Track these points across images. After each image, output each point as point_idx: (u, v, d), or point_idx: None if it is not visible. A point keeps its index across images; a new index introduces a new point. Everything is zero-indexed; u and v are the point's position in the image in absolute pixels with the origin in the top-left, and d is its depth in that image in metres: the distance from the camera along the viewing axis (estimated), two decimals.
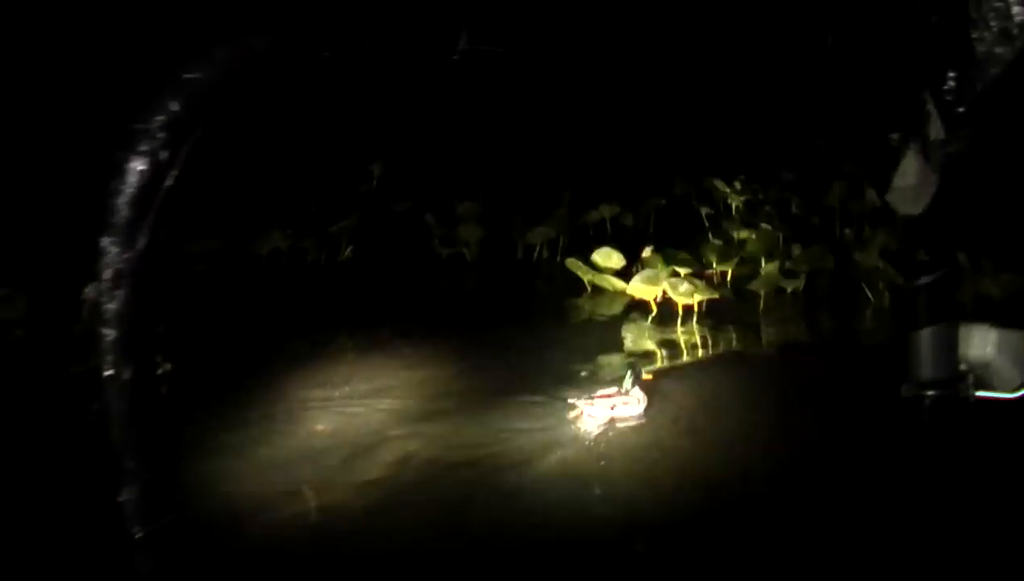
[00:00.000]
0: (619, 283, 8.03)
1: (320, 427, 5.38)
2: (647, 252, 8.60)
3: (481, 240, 9.82)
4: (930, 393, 1.36)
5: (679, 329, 7.31)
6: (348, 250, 9.70)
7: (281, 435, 5.29)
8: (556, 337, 7.02)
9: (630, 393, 5.73)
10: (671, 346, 6.89)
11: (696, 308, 7.60)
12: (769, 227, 9.14)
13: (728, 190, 11.42)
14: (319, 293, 8.60)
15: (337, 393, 5.93)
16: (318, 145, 10.94)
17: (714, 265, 8.48)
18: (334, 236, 9.67)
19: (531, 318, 7.58)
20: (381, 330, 7.24)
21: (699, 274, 8.23)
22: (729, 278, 8.33)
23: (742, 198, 11.23)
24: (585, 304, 8.03)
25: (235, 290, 8.35)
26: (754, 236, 8.57)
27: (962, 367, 1.39)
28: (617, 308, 7.84)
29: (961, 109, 1.74)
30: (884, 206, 8.12)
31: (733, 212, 11.09)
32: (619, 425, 5.50)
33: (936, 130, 1.74)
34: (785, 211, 10.71)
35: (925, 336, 1.36)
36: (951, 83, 1.77)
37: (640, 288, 7.67)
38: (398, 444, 5.16)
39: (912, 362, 1.37)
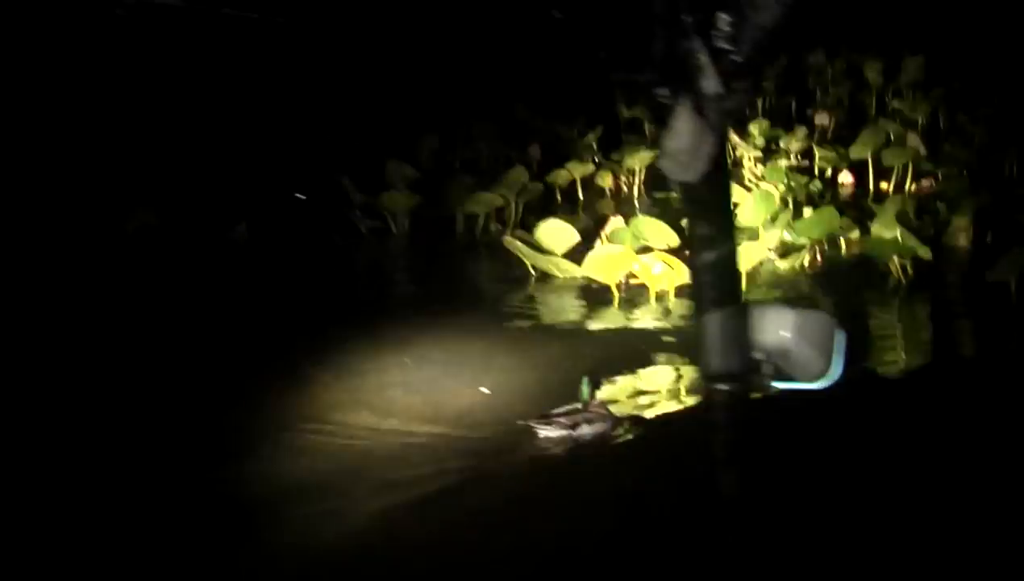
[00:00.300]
0: (569, 267, 8.00)
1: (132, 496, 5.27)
2: (613, 225, 8.56)
3: (412, 210, 9.83)
4: (721, 387, 1.39)
5: (647, 325, 7.24)
6: (242, 228, 9.63)
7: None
8: (477, 348, 6.94)
9: (590, 407, 5.64)
10: (634, 359, 6.77)
11: (672, 293, 7.53)
12: (775, 188, 9.05)
13: (738, 140, 11.33)
14: (195, 283, 8.56)
15: (178, 427, 5.83)
16: (205, 96, 10.89)
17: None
18: (224, 209, 9.66)
19: (456, 319, 7.53)
20: (267, 338, 7.22)
21: (680, 251, 8.18)
22: None
23: (758, 150, 11.15)
24: (528, 296, 8.08)
25: (86, 279, 8.33)
26: (751, 200, 8.47)
27: (757, 355, 1.42)
28: (569, 301, 7.87)
29: (737, 58, 1.64)
30: (925, 157, 8.07)
31: (745, 166, 11.02)
32: (582, 446, 5.44)
33: (710, 83, 1.64)
34: (811, 164, 10.66)
35: (712, 322, 1.39)
36: (724, 29, 1.79)
37: (598, 268, 7.61)
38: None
39: (700, 352, 1.45)
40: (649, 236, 8.11)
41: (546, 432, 5.51)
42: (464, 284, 8.49)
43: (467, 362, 6.62)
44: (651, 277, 7.51)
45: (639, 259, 7.59)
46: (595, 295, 7.77)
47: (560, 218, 8.80)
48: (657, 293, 7.57)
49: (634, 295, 7.66)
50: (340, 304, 7.96)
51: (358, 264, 9.22)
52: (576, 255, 8.17)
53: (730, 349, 1.38)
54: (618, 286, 7.68)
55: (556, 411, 5.61)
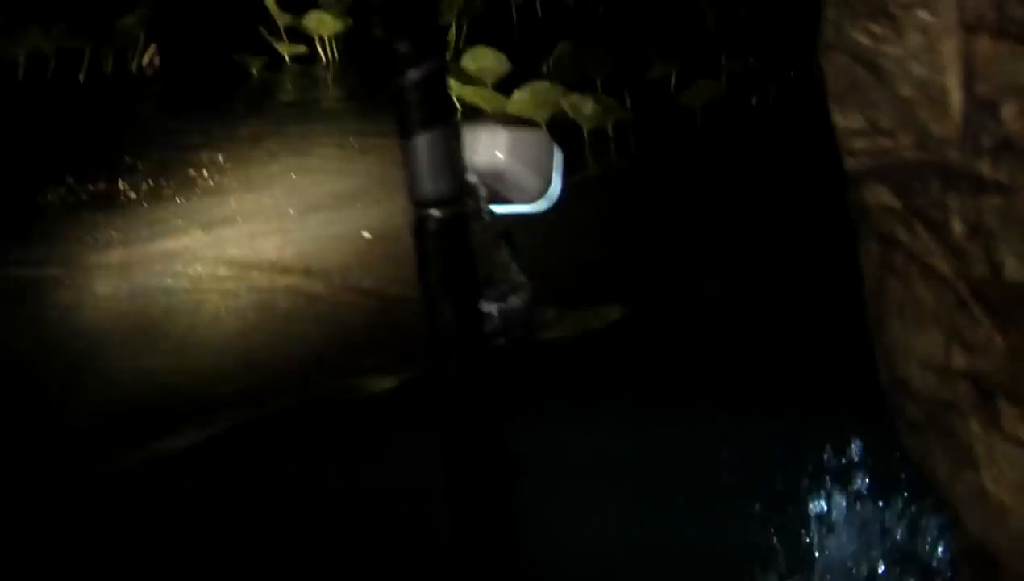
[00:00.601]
0: (498, 101, 7.42)
1: None
2: (560, 50, 7.95)
3: (343, 34, 9.17)
4: (433, 213, 1.39)
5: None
6: (151, 53, 9.10)
7: None
8: (375, 195, 6.49)
9: (509, 273, 5.24)
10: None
11: (611, 138, 6.98)
12: None
13: None
14: (100, 121, 8.13)
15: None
16: None
17: (656, 67, 7.78)
18: (126, 33, 9.05)
19: (362, 158, 7.11)
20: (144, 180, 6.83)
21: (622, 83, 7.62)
22: (672, 85, 7.66)
23: None
24: None
25: None
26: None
27: (470, 178, 1.43)
28: None
29: None
30: None
31: None
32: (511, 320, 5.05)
33: None
34: None
35: (420, 144, 1.38)
36: None
37: (524, 105, 7.09)
38: None
39: (408, 177, 1.40)
40: (592, 65, 7.50)
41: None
42: (378, 119, 7.82)
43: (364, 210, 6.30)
44: (582, 116, 6.95)
45: (569, 97, 7.01)
46: None
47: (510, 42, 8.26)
48: (590, 132, 7.00)
49: (568, 135, 7.12)
50: (234, 145, 7.45)
51: (272, 96, 8.72)
52: (513, 86, 7.52)
53: (441, 172, 1.39)
54: (551, 125, 7.15)
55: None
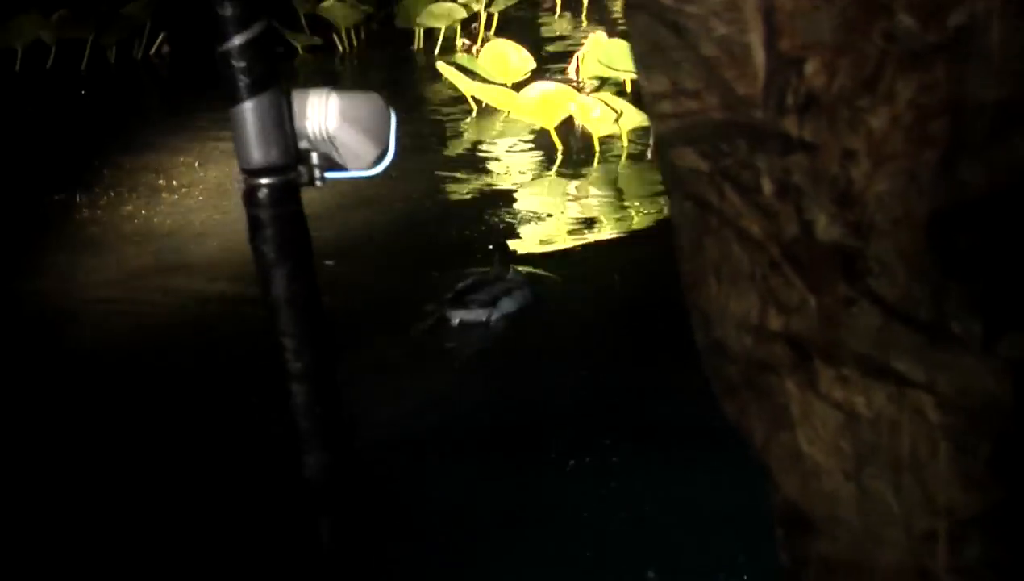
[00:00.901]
0: (516, 98, 7.41)
1: None
2: (590, 44, 7.80)
3: (361, 23, 9.29)
4: (265, 181, 1.45)
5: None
6: (161, 42, 9.28)
7: None
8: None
9: (507, 277, 5.27)
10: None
11: (624, 138, 6.88)
12: None
13: None
14: (101, 115, 8.22)
15: None
16: None
17: None
18: (132, 21, 9.18)
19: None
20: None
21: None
22: None
23: None
24: (454, 135, 7.45)
25: None
26: None
27: (303, 145, 1.47)
28: (508, 145, 7.20)
29: None
30: None
31: None
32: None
33: None
34: None
35: (247, 111, 1.43)
36: None
37: (533, 109, 7.00)
38: None
39: (237, 146, 1.45)
40: (617, 62, 7.45)
41: (462, 317, 5.03)
42: (406, 117, 7.94)
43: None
44: (590, 121, 6.76)
45: (577, 100, 6.82)
46: (538, 137, 7.11)
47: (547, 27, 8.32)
48: (602, 139, 6.83)
49: (585, 139, 6.92)
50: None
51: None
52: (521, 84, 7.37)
53: (270, 140, 1.44)
54: (564, 128, 6.98)
55: (465, 286, 5.17)
